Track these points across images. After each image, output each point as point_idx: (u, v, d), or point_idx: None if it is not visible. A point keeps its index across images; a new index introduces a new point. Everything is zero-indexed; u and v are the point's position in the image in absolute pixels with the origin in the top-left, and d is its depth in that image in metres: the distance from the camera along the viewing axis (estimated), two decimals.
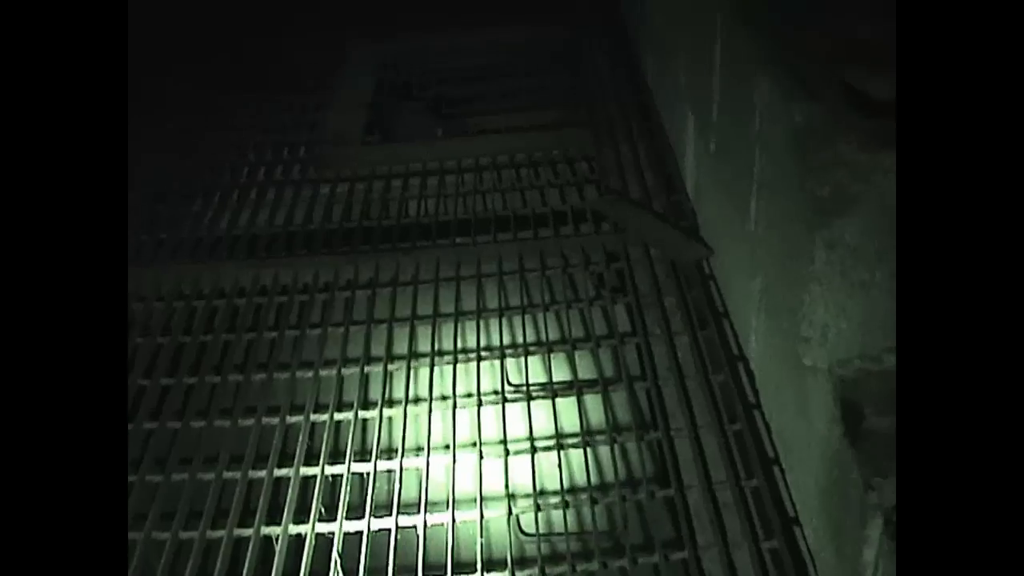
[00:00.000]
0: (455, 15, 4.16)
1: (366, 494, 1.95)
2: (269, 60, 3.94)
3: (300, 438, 2.09)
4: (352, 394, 2.20)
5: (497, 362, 2.27)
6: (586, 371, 2.22)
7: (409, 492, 1.95)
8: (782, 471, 1.90)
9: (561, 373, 2.23)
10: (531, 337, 2.34)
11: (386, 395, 2.19)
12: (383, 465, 2.02)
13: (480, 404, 2.15)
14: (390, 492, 1.95)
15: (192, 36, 4.16)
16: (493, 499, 1.93)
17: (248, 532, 1.90)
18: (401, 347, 2.32)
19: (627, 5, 3.72)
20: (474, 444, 2.05)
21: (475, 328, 2.36)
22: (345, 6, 4.40)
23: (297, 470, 2.01)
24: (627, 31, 3.72)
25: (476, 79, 3.68)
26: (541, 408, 2.14)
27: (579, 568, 1.80)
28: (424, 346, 2.32)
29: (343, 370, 2.26)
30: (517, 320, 2.38)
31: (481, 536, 1.87)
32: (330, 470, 2.02)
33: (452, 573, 1.79)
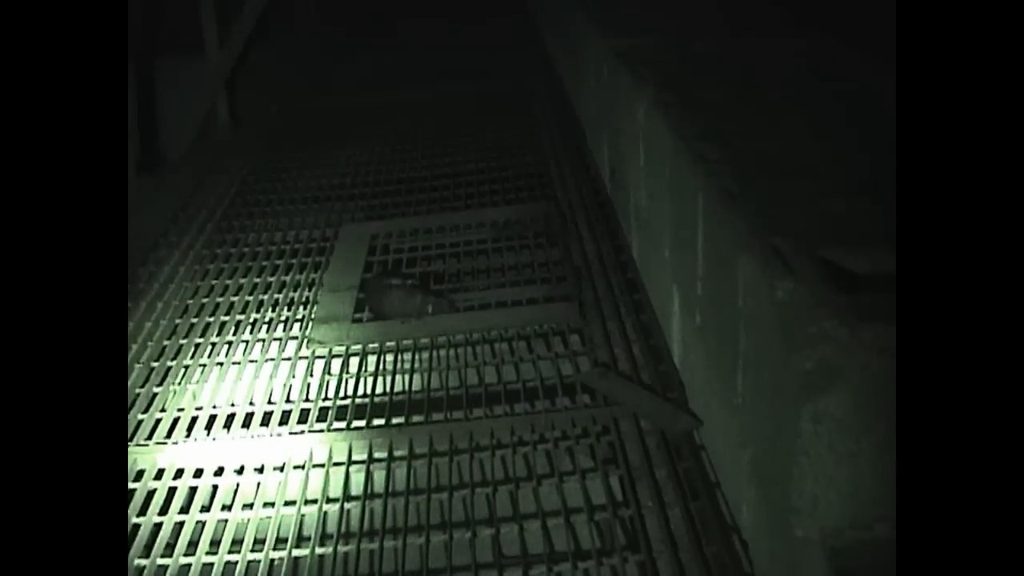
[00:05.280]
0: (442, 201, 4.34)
1: None
2: (263, 241, 4.06)
3: None
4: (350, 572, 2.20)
5: (493, 536, 2.28)
6: (582, 544, 2.23)
7: None
8: None
9: (559, 544, 2.24)
10: (526, 510, 2.36)
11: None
12: None
13: None
14: None
15: (188, 217, 4.30)
16: None
17: None
18: (398, 522, 2.33)
19: (610, 183, 3.86)
20: None
21: (470, 503, 2.38)
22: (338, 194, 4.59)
23: None
24: (611, 206, 3.85)
25: (464, 255, 3.80)
26: None
27: None
28: (420, 521, 2.33)
29: (339, 547, 2.27)
30: (509, 494, 2.40)
31: None
32: None
33: None
